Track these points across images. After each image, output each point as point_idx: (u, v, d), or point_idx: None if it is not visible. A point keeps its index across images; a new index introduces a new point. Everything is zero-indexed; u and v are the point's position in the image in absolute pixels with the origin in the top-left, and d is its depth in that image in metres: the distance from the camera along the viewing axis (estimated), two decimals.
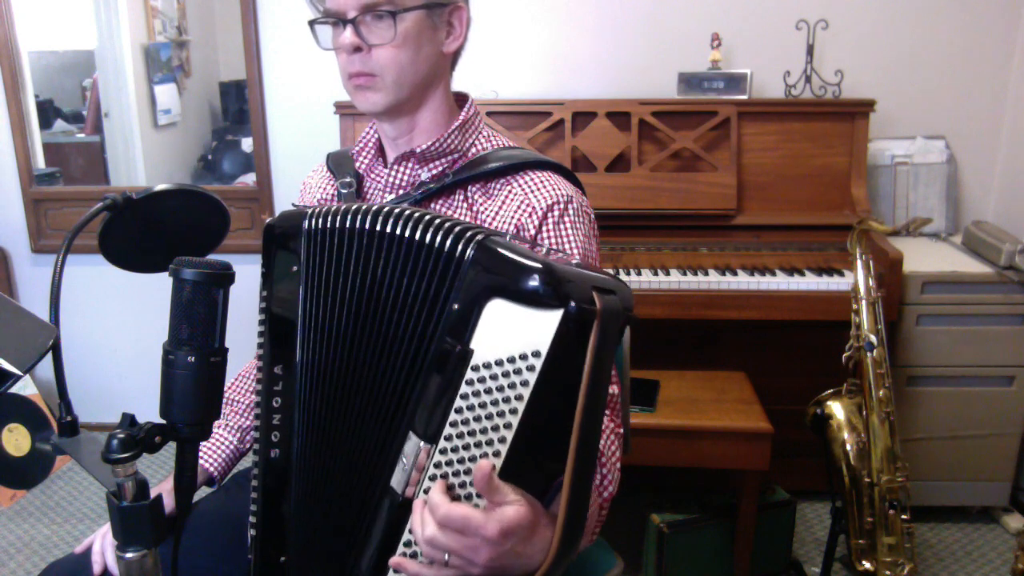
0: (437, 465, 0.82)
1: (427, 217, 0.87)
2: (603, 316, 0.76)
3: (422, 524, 0.80)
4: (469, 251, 0.82)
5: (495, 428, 0.78)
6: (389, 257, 0.88)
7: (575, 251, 1.10)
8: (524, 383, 0.77)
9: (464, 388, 0.80)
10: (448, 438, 0.81)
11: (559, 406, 0.77)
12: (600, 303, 0.76)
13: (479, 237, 0.83)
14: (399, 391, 0.87)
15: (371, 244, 0.90)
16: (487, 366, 0.79)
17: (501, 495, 0.78)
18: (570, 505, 0.77)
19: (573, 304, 0.75)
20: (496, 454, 0.78)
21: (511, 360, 0.77)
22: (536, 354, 0.76)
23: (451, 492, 0.81)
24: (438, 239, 0.84)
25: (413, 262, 0.86)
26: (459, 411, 0.80)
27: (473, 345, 0.80)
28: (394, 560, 0.85)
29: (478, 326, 0.80)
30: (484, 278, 0.81)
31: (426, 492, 0.81)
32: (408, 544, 0.85)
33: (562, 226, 1.10)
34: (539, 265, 0.78)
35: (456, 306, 0.82)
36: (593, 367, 0.76)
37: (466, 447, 0.80)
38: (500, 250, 0.81)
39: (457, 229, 0.84)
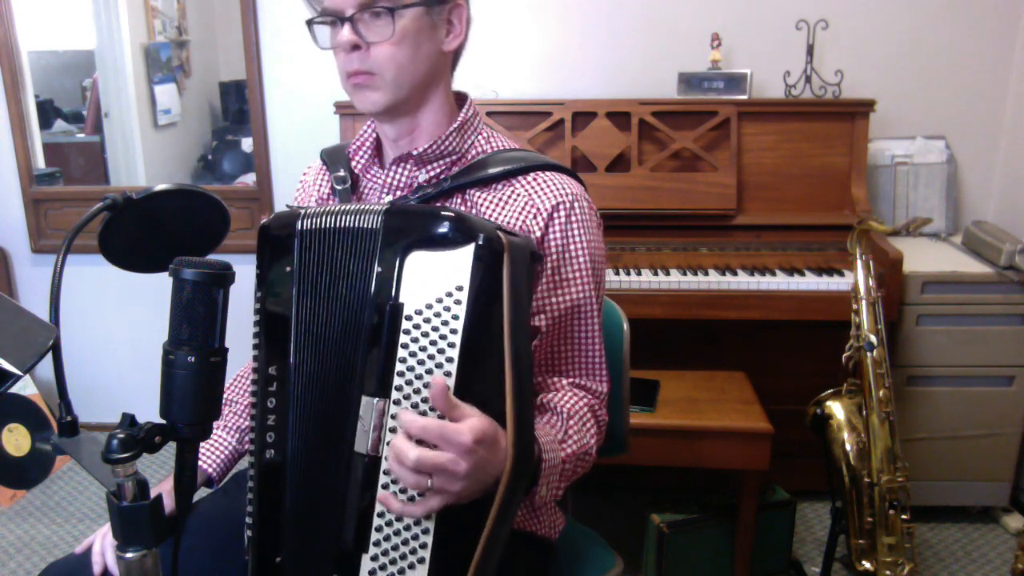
0: (395, 416, 0.86)
1: (363, 207, 0.95)
2: (511, 249, 0.86)
3: (400, 456, 0.83)
4: (379, 220, 0.92)
5: (439, 366, 0.85)
6: (345, 248, 0.95)
7: (584, 252, 1.11)
8: (455, 317, 0.85)
9: (403, 338, 0.86)
10: (399, 387, 0.87)
11: (491, 331, 0.85)
12: (506, 240, 0.86)
13: (384, 208, 0.93)
14: (355, 364, 0.92)
15: (337, 239, 0.95)
16: (418, 312, 0.86)
17: (461, 411, 0.84)
18: (516, 415, 0.85)
19: (483, 236, 0.85)
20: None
21: (439, 300, 0.86)
22: (459, 288, 0.85)
23: None
24: (362, 221, 0.93)
25: (353, 246, 0.94)
26: (403, 360, 0.86)
27: (403, 299, 0.88)
28: (380, 494, 0.88)
29: (403, 280, 0.88)
30: (398, 236, 0.90)
31: (388, 445, 0.86)
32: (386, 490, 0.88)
33: (569, 227, 1.10)
34: (447, 213, 0.88)
35: (379, 269, 0.90)
36: (512, 296, 0.85)
37: (417, 391, 0.86)
38: (407, 209, 0.93)
39: (371, 208, 0.93)
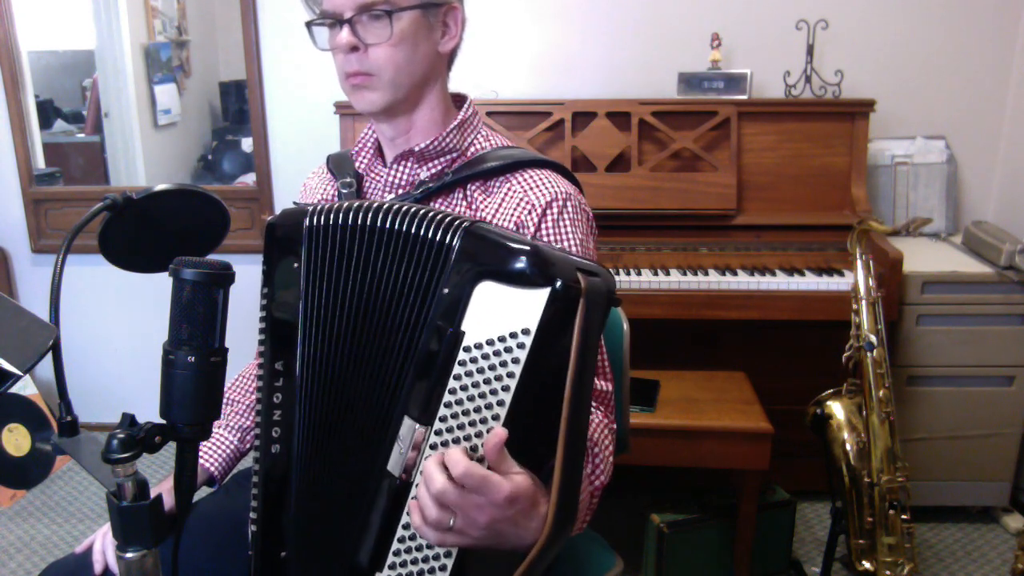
0: (433, 447, 0.83)
1: (420, 211, 0.90)
2: (588, 294, 0.79)
3: (430, 482, 0.80)
4: (456, 238, 0.86)
5: (488, 407, 0.81)
6: (388, 251, 0.91)
7: (573, 248, 1.11)
8: (515, 360, 0.79)
9: (457, 369, 0.82)
10: (443, 419, 0.83)
11: (549, 383, 0.79)
12: (585, 283, 0.79)
13: (465, 224, 0.86)
14: (395, 378, 0.89)
15: (370, 240, 0.92)
16: (478, 346, 0.81)
17: (508, 464, 0.80)
18: (563, 481, 0.79)
19: (560, 282, 0.79)
20: (491, 431, 0.80)
21: (501, 339, 0.80)
22: (525, 331, 0.79)
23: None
24: (430, 231, 0.88)
25: (408, 254, 0.89)
26: (452, 392, 0.82)
27: (464, 327, 0.83)
28: (410, 503, 0.85)
29: (468, 308, 0.83)
30: (472, 262, 0.84)
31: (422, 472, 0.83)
32: (407, 527, 0.86)
33: (561, 223, 1.11)
34: (526, 247, 0.81)
35: (447, 291, 0.85)
36: (581, 344, 0.78)
37: (461, 426, 0.82)
38: (487, 234, 0.85)
39: (446, 220, 0.88)
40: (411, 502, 0.85)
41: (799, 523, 2.33)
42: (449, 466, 0.79)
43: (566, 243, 1.11)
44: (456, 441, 0.82)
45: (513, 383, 0.79)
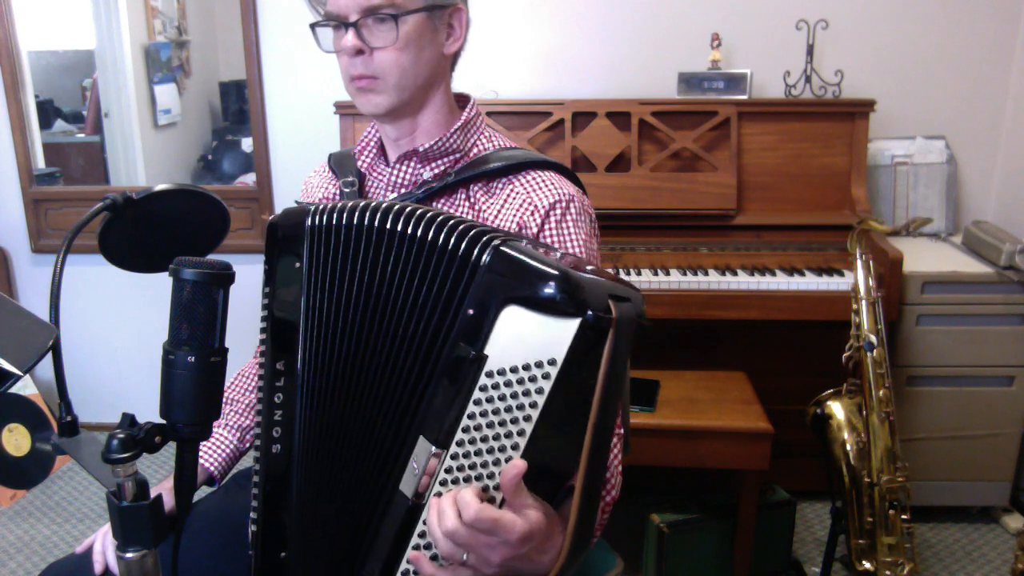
0: (448, 471, 0.81)
1: (439, 217, 0.86)
2: (619, 324, 0.76)
3: (441, 519, 0.79)
4: (486, 256, 0.81)
5: (508, 435, 0.78)
6: (399, 256, 0.88)
7: (577, 250, 1.11)
8: (539, 391, 0.76)
9: (478, 394, 0.79)
10: (460, 443, 0.80)
11: (572, 414, 0.77)
12: (616, 312, 0.76)
13: (496, 242, 0.81)
14: (408, 393, 0.87)
15: (378, 242, 0.89)
16: (501, 373, 0.78)
17: (523, 498, 0.77)
18: (580, 514, 0.77)
19: (591, 313, 0.75)
20: (508, 460, 0.78)
21: (526, 368, 0.77)
22: (552, 362, 0.76)
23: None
24: (452, 241, 0.84)
25: (424, 263, 0.86)
26: (472, 417, 0.80)
27: (487, 351, 0.79)
28: (412, 554, 0.84)
29: (493, 332, 0.79)
30: (501, 284, 0.80)
31: (437, 496, 0.81)
32: (417, 548, 0.85)
33: (564, 225, 1.10)
34: (556, 272, 0.77)
35: (471, 311, 0.81)
36: (607, 375, 0.76)
37: (478, 453, 0.80)
38: (517, 255, 0.80)
39: (473, 232, 0.83)
40: (416, 553, 0.84)
41: (799, 523, 2.33)
42: (460, 508, 0.77)
43: (569, 245, 1.10)
44: (472, 467, 0.80)
45: (535, 413, 0.77)
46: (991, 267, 2.22)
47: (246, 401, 1.28)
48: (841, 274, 2.21)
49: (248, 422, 1.27)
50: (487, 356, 0.79)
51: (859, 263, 1.87)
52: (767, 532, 2.05)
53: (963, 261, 2.30)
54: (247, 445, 1.27)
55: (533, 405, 0.77)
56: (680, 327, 2.36)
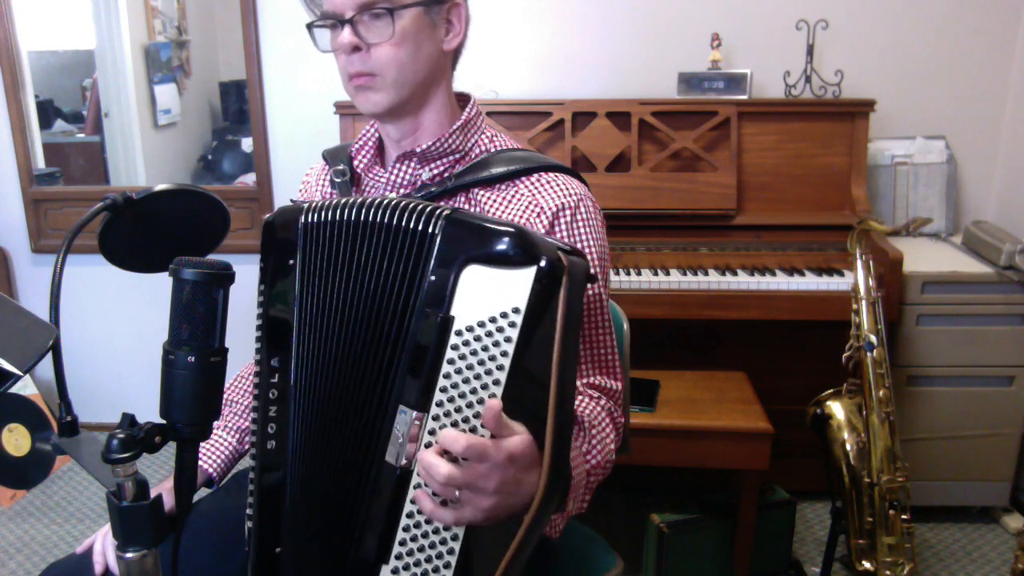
0: (432, 432, 0.85)
1: (401, 203, 0.92)
2: (571, 270, 0.83)
3: (434, 469, 0.81)
4: (438, 227, 0.88)
5: (484, 387, 0.83)
6: (373, 245, 0.92)
7: (594, 249, 1.12)
8: (507, 339, 0.82)
9: (450, 353, 0.84)
10: (439, 404, 0.84)
11: (540, 358, 0.83)
12: (567, 260, 0.83)
13: (446, 212, 0.88)
14: (386, 369, 0.90)
15: (358, 234, 0.93)
16: (470, 329, 0.83)
17: (508, 428, 0.82)
18: (554, 437, 0.82)
19: (545, 260, 0.82)
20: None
21: (492, 320, 0.83)
22: (516, 310, 0.82)
23: None
24: (410, 221, 0.90)
25: (391, 246, 0.91)
26: (447, 376, 0.84)
27: (454, 311, 0.85)
28: (415, 493, 0.86)
29: (456, 293, 0.85)
30: (459, 247, 0.86)
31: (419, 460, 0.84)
32: (411, 515, 0.87)
33: (575, 225, 1.11)
34: (509, 228, 0.84)
35: (433, 278, 0.87)
36: (565, 316, 0.82)
37: (458, 409, 0.84)
38: (468, 220, 0.88)
39: (427, 210, 0.89)
40: (418, 491, 0.85)
41: (799, 523, 2.33)
42: (448, 446, 0.81)
43: (583, 245, 1.11)
44: (455, 425, 0.84)
45: (507, 361, 0.82)
46: (991, 267, 2.22)
47: (245, 402, 1.28)
48: (841, 274, 2.21)
49: (247, 423, 1.27)
50: (454, 317, 0.85)
51: (859, 263, 1.87)
52: (767, 532, 2.05)
53: (963, 261, 2.30)
54: (246, 447, 1.26)
55: (504, 354, 0.82)
56: (680, 327, 2.36)
